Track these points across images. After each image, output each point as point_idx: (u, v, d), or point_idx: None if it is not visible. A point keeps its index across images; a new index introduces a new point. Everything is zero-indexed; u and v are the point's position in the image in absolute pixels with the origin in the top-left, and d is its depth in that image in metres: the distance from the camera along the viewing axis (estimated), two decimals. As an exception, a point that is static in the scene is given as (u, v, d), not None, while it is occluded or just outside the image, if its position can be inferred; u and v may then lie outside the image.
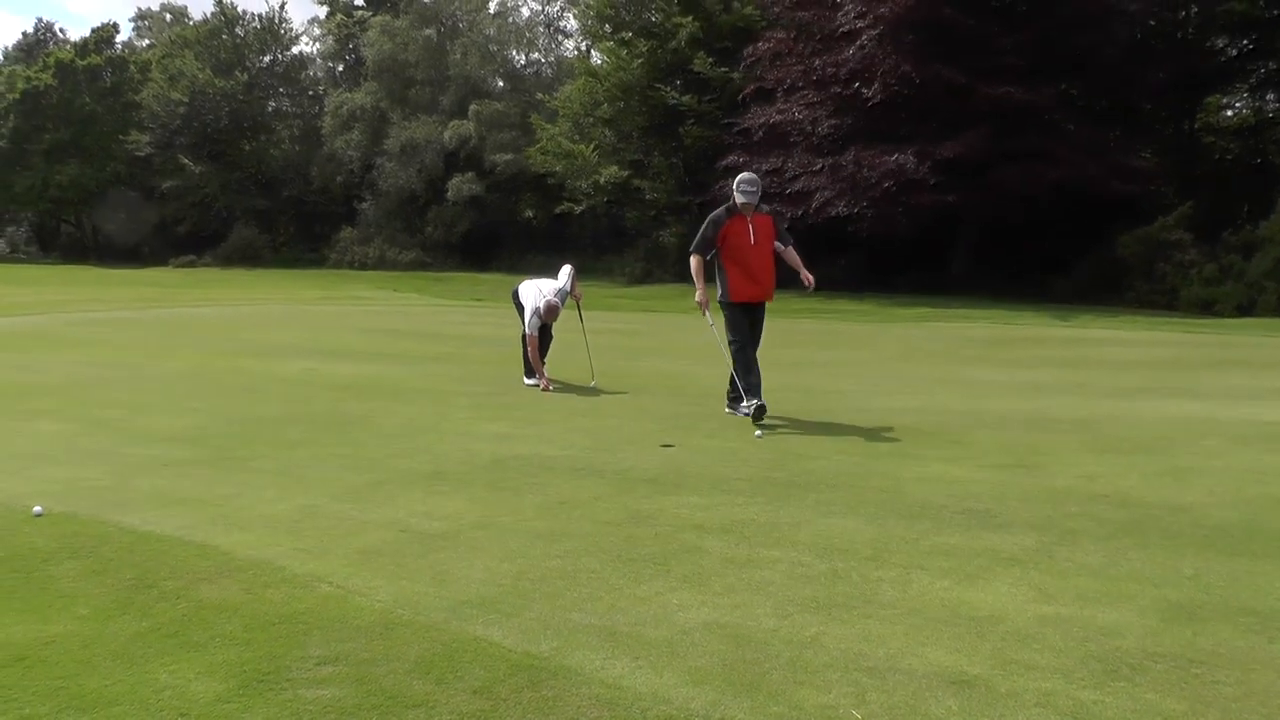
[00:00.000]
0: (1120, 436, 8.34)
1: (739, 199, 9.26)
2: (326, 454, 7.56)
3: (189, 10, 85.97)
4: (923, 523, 5.62)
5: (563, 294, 11.51)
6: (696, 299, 9.57)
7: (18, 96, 70.67)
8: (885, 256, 34.01)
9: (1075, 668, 3.69)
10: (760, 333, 9.64)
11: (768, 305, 9.69)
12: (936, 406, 9.98)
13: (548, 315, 11.28)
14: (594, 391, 11.01)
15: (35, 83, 70.41)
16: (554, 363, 11.95)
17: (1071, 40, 30.80)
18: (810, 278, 9.56)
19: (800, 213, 32.59)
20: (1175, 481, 6.67)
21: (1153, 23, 33.46)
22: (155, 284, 39.76)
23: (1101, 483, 6.63)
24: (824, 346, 17.00)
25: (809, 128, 33.43)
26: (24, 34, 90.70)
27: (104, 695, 3.49)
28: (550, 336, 11.87)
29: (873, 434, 8.42)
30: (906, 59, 30.82)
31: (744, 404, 9.11)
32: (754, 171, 34.85)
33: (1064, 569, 4.83)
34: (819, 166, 32.40)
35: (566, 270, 11.90)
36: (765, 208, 9.54)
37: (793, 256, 9.64)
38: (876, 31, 31.15)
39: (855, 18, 31.58)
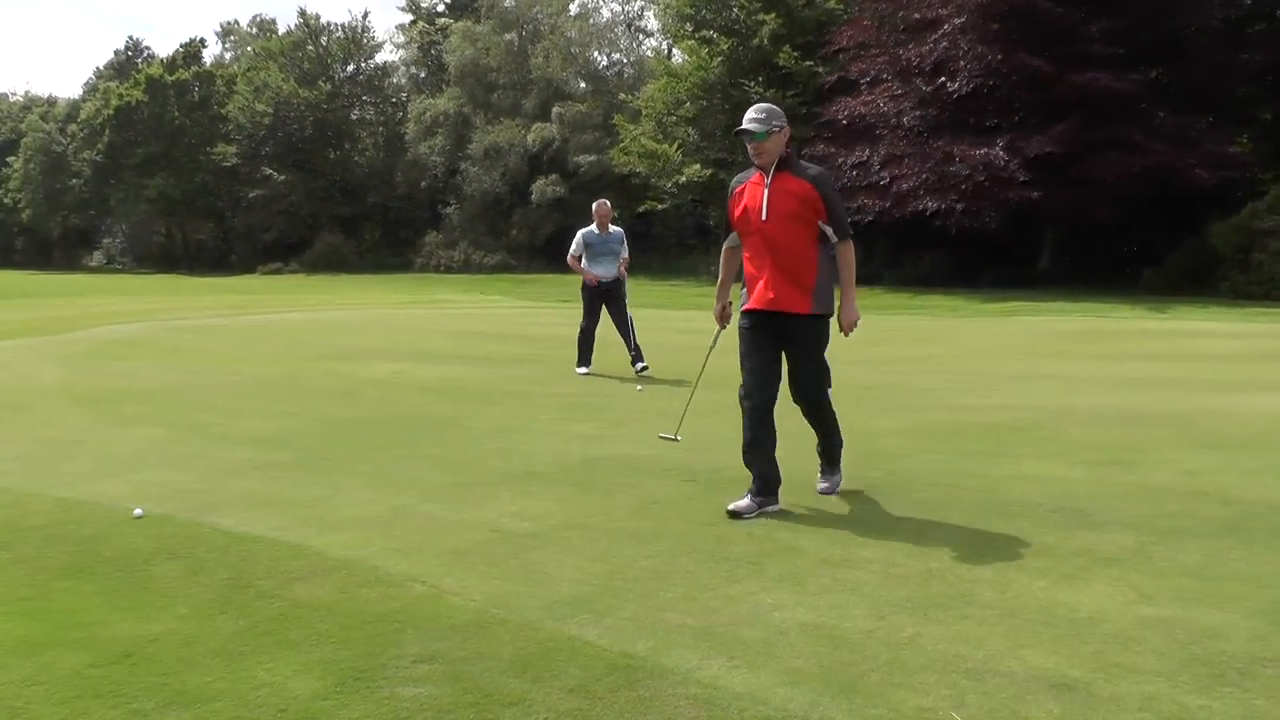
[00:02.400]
0: (1219, 432, 8.16)
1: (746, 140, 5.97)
2: (417, 455, 7.65)
3: (275, 23, 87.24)
4: (1018, 522, 5.55)
5: (617, 238, 12.12)
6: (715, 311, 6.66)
7: (112, 113, 72.61)
8: (971, 252, 33.61)
9: (1179, 671, 3.62)
10: (795, 369, 6.10)
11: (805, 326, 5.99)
12: (1027, 403, 9.84)
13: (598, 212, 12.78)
14: (683, 392, 10.99)
15: (128, 99, 72.24)
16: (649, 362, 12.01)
17: (1162, 25, 30.17)
18: (852, 320, 6.09)
19: (888, 205, 32.36)
20: (1279, 479, 6.52)
21: (1249, 1, 32.63)
22: (243, 291, 40.55)
23: (1200, 480, 6.49)
24: (911, 342, 16.84)
25: (894, 120, 33.17)
26: (115, 52, 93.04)
27: (205, 691, 3.57)
28: (621, 309, 12.54)
29: (964, 432, 8.33)
30: (992, 48, 30.45)
31: (747, 503, 5.90)
32: (839, 164, 34.87)
33: (1164, 569, 4.73)
34: (906, 158, 32.11)
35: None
36: (809, 167, 5.96)
37: (842, 268, 6.03)
38: (961, 20, 30.78)
39: (940, 5, 31.26)
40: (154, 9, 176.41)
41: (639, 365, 12.38)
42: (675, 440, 7.31)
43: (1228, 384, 10.97)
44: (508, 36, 59.73)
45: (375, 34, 78.83)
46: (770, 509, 5.88)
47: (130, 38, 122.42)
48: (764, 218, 5.89)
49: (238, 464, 7.42)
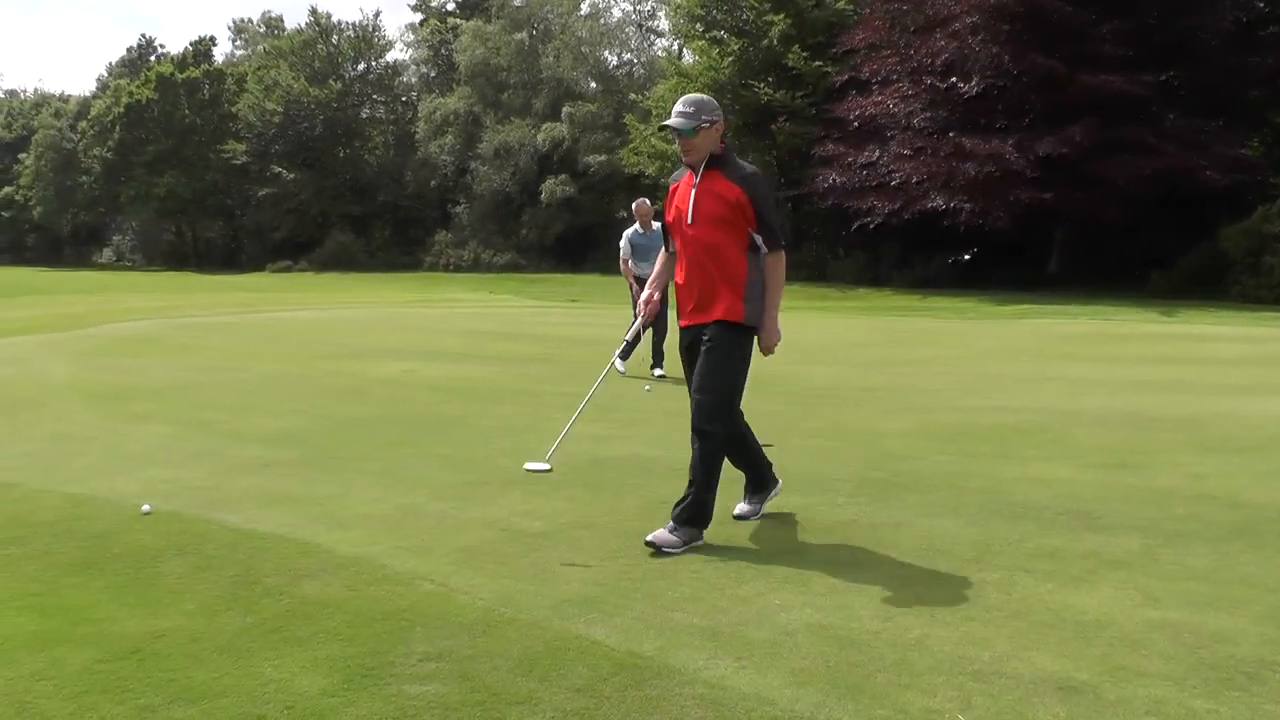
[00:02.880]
0: (1227, 435, 8.15)
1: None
2: (426, 454, 7.66)
3: (284, 20, 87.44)
4: (1025, 524, 5.55)
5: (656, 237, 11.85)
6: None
7: (122, 110, 72.85)
8: (981, 253, 33.59)
9: (1187, 675, 3.61)
10: (696, 386, 5.39)
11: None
12: (1036, 405, 9.83)
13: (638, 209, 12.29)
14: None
15: (138, 96, 72.46)
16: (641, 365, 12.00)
17: (1172, 27, 30.13)
18: (773, 341, 5.50)
19: (896, 206, 32.34)
20: (1288, 482, 6.51)
21: (1261, 4, 32.54)
22: (253, 289, 40.65)
23: (1209, 483, 6.49)
24: (920, 344, 16.83)
25: (904, 120, 33.16)
26: (129, 49, 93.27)
27: (212, 688, 3.58)
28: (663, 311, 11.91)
29: (971, 433, 8.33)
30: (1003, 48, 30.44)
31: (745, 506, 5.79)
32: (848, 164, 34.86)
33: (1172, 572, 4.73)
34: (914, 155, 32.08)
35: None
36: (742, 166, 5.35)
37: (769, 281, 5.39)
38: (973, 19, 30.77)
39: (951, 4, 31.25)
40: (165, 8, 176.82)
41: (658, 372, 12.16)
42: (547, 469, 6.06)
43: (1237, 387, 10.96)
44: (518, 36, 59.83)
45: (386, 33, 79.02)
46: (695, 542, 5.24)
47: (143, 35, 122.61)
48: (689, 221, 5.35)
49: (246, 461, 7.44)
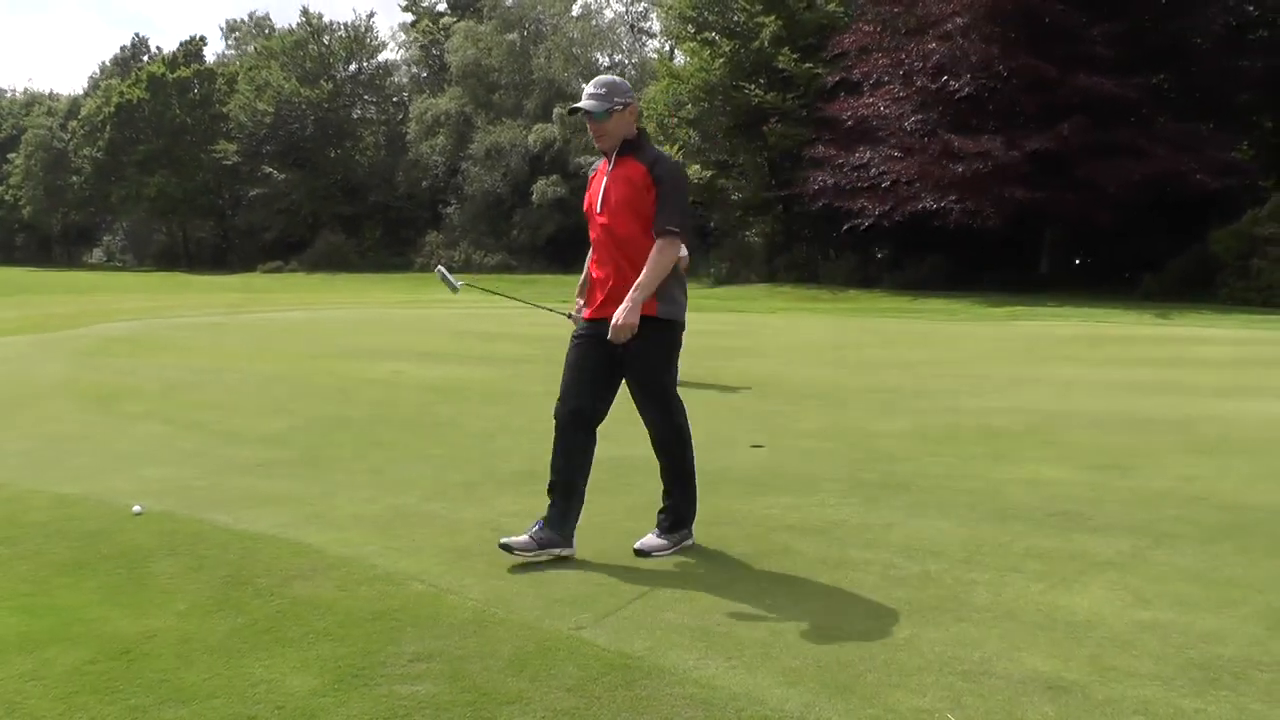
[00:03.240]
0: (1218, 437, 8.18)
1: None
2: (417, 454, 7.66)
3: (270, 18, 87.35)
4: (1015, 525, 5.56)
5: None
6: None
7: (113, 110, 72.73)
8: (972, 255, 33.68)
9: (1175, 675, 3.63)
10: (634, 394, 5.20)
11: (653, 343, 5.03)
12: (1028, 406, 9.85)
13: None
14: (683, 392, 11.01)
15: (129, 96, 72.36)
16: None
17: (1164, 30, 30.22)
18: (624, 323, 4.81)
19: (888, 207, 32.41)
20: (1278, 484, 6.53)
21: (1251, 8, 32.65)
22: (244, 290, 40.61)
23: (1199, 485, 6.50)
24: (912, 346, 16.86)
25: (895, 123, 33.24)
26: (121, 48, 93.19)
27: (203, 688, 3.58)
28: None
29: (963, 435, 8.34)
30: (993, 49, 30.54)
31: (521, 539, 4.99)
32: (839, 166, 35.00)
33: (1161, 573, 4.74)
34: (905, 156, 32.17)
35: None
36: (653, 150, 5.10)
37: (649, 263, 4.88)
38: (964, 20, 30.84)
39: (942, 5, 31.33)
40: (157, 7, 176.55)
41: None
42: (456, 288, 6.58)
43: (1227, 390, 10.99)
44: (510, 36, 59.82)
45: (378, 33, 79.06)
46: (562, 553, 4.99)
47: (136, 34, 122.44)
48: (599, 209, 5.09)
49: (238, 462, 7.44)
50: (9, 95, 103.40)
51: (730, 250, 42.15)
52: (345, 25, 71.94)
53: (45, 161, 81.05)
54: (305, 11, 71.38)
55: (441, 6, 72.13)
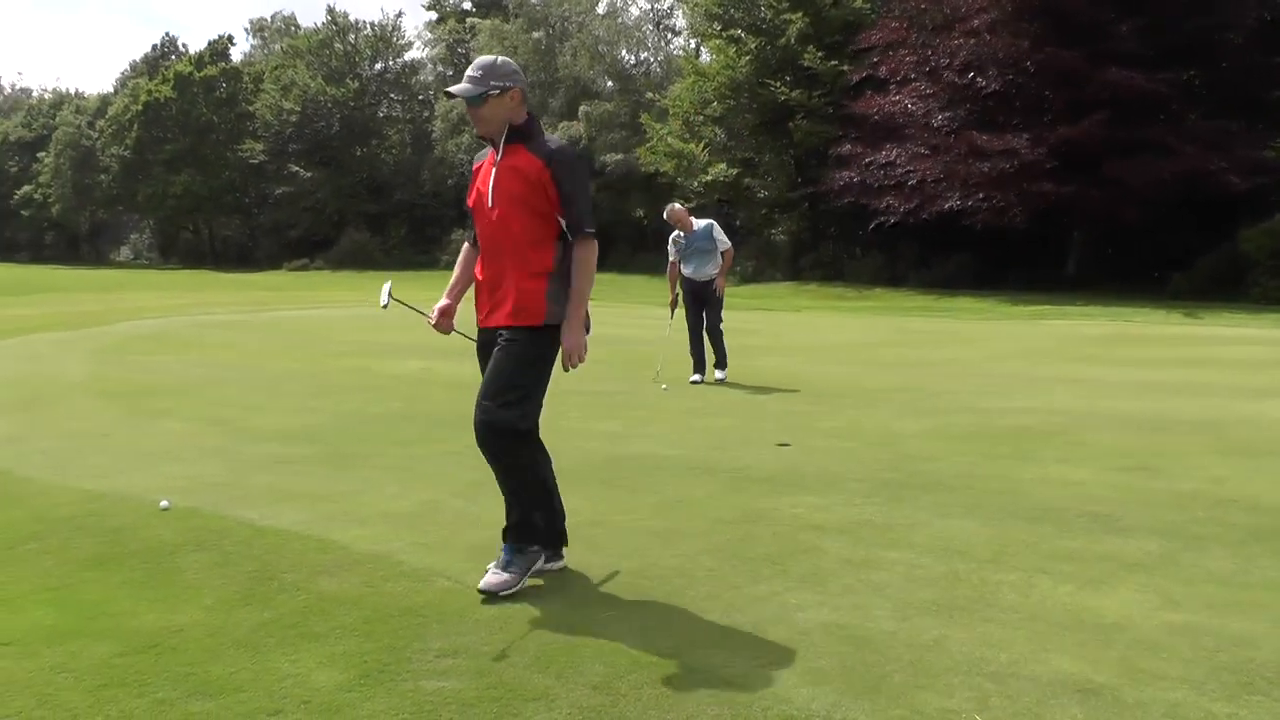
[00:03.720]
0: (1248, 438, 8.10)
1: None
2: (444, 451, 7.66)
3: (295, 17, 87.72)
4: (1043, 526, 5.52)
5: (700, 235, 11.60)
6: None
7: (140, 109, 73.19)
8: (999, 254, 33.50)
9: (1206, 679, 3.59)
10: (482, 391, 4.65)
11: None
12: (1054, 406, 9.80)
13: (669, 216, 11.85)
14: (708, 391, 11.01)
15: (156, 94, 72.82)
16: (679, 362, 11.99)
17: (1194, 25, 29.88)
18: (575, 346, 4.61)
19: (914, 205, 32.28)
20: (1309, 486, 6.47)
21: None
22: (270, 287, 40.77)
23: (1229, 487, 6.45)
24: (938, 345, 16.78)
25: (922, 119, 33.10)
26: (152, 47, 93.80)
27: (230, 682, 3.60)
28: (709, 312, 11.74)
29: (989, 435, 8.30)
30: (1021, 45, 30.37)
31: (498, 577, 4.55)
32: (866, 164, 34.88)
33: (1191, 576, 4.70)
34: (931, 154, 32.03)
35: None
36: (550, 140, 4.65)
37: (575, 273, 4.64)
38: (991, 16, 30.68)
39: (970, 2, 31.18)
40: (183, 7, 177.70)
41: (694, 378, 11.67)
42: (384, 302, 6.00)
43: (1257, 390, 10.89)
44: (535, 35, 59.88)
45: (405, 32, 79.24)
46: (551, 565, 4.77)
47: (166, 34, 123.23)
48: (489, 203, 4.61)
49: (264, 458, 7.46)
50: (38, 95, 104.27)
51: (756, 248, 42.04)
52: (371, 24, 72.21)
53: (74, 160, 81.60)
54: (331, 10, 71.67)
55: (467, 5, 72.23)
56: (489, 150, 4.74)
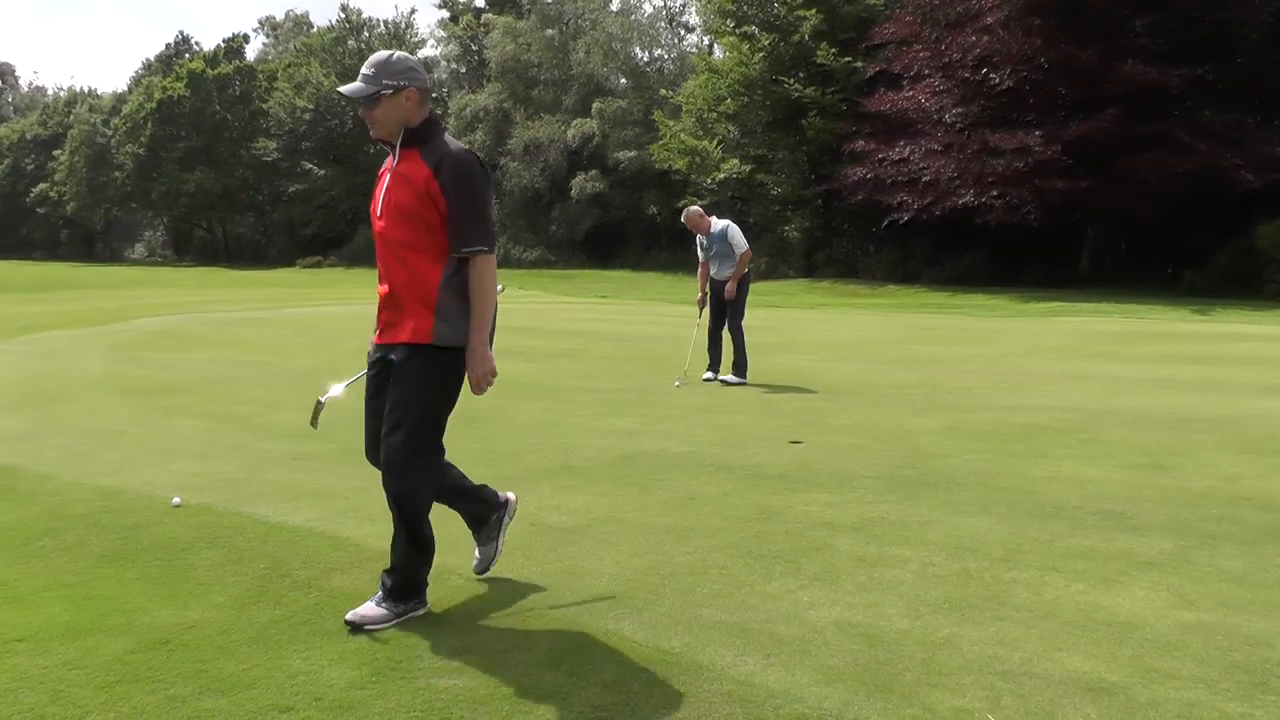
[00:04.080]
0: (1263, 436, 8.06)
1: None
2: (454, 448, 7.58)
3: (309, 16, 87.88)
4: (1056, 524, 5.51)
5: (717, 237, 11.55)
6: None
7: (155, 106, 73.39)
8: (1012, 251, 33.40)
9: (1220, 678, 3.58)
10: (386, 425, 4.24)
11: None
12: (1068, 404, 9.76)
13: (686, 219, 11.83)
14: (721, 388, 11.00)
15: (170, 92, 73.04)
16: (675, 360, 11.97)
17: (1209, 20, 29.74)
18: (483, 372, 4.31)
19: (928, 202, 32.22)
20: (1323, 483, 6.44)
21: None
22: (283, 284, 40.86)
23: (1244, 485, 6.42)
24: (951, 342, 16.75)
25: (936, 116, 33.04)
26: (165, 45, 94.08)
27: (242, 679, 3.61)
28: (729, 313, 11.63)
29: (1003, 432, 8.27)
30: (1034, 41, 30.27)
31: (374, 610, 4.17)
32: (879, 160, 34.91)
33: (1205, 574, 4.69)
34: (945, 151, 31.96)
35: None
36: (446, 145, 4.25)
37: (472, 291, 4.24)
38: (1004, 13, 30.60)
39: None
40: (195, 5, 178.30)
41: (707, 375, 11.61)
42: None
43: (1272, 388, 10.84)
44: (549, 32, 59.85)
45: (418, 30, 79.34)
46: (414, 613, 4.25)
47: (180, 32, 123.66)
48: (379, 213, 4.31)
49: (276, 455, 7.48)
50: (53, 93, 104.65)
51: (769, 245, 41.94)
52: (385, 22, 72.30)
53: (89, 158, 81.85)
54: (345, 8, 71.70)
55: (480, 3, 72.24)
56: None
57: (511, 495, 4.84)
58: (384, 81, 4.15)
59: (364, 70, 4.19)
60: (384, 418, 4.23)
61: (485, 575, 4.69)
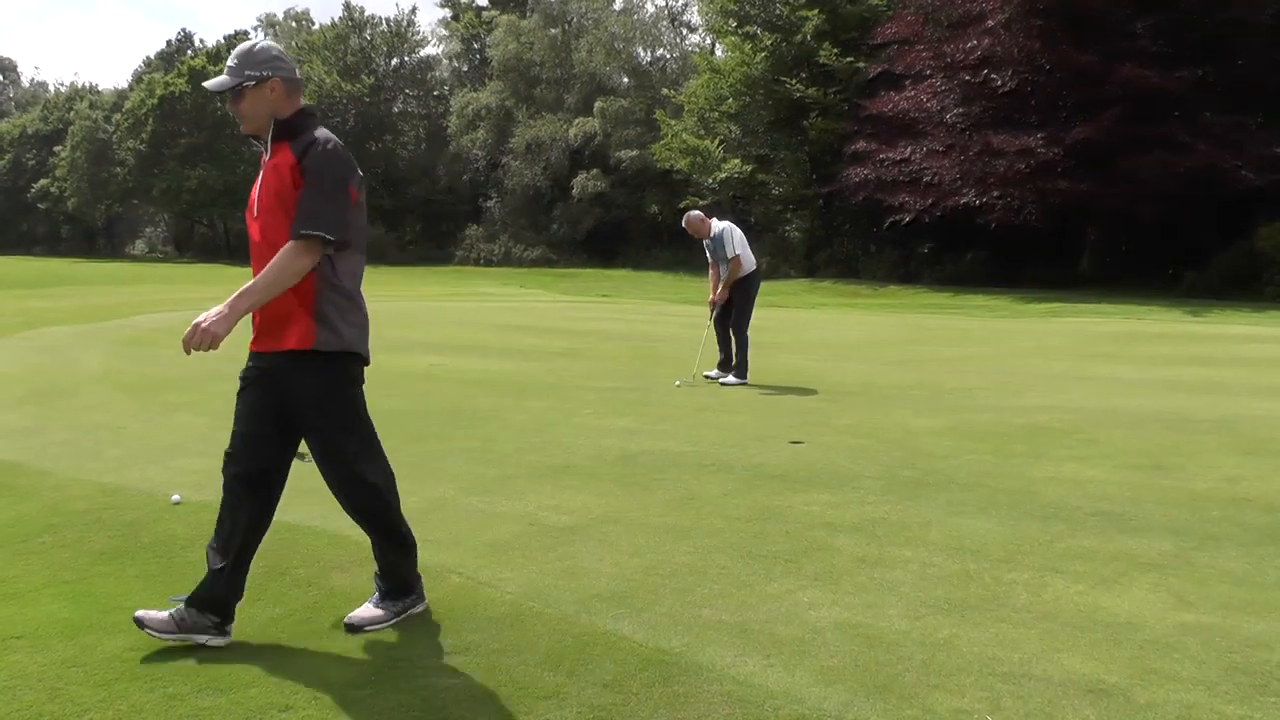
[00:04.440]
0: (1263, 438, 8.05)
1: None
2: (455, 448, 7.67)
3: (310, 14, 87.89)
4: (1056, 524, 5.51)
5: (715, 241, 11.53)
6: None
7: (156, 102, 73.39)
8: (1013, 252, 33.41)
9: (1219, 680, 3.58)
10: (314, 453, 4.21)
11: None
12: (1068, 405, 9.76)
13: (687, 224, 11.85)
14: (722, 388, 11.00)
15: (172, 89, 73.04)
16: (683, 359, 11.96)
17: (1210, 21, 29.73)
18: (207, 333, 3.89)
19: (929, 202, 32.22)
20: (1324, 485, 6.43)
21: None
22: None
23: (1244, 486, 6.41)
24: (952, 343, 16.74)
25: (938, 116, 33.04)
26: (167, 42, 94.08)
27: (241, 677, 3.62)
28: (734, 315, 11.63)
29: (1003, 433, 8.27)
30: (1036, 43, 30.27)
31: (157, 615, 3.94)
32: (880, 161, 34.91)
33: (1205, 576, 4.68)
34: (946, 152, 31.97)
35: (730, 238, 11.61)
36: (315, 137, 4.01)
37: (270, 266, 3.93)
38: (1005, 15, 30.59)
39: (985, 0, 31.12)
40: (202, 3, 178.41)
41: (710, 373, 11.64)
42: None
43: (1273, 389, 10.83)
44: (552, 31, 59.92)
45: (420, 28, 79.35)
46: (211, 642, 3.94)
47: (183, 29, 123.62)
48: (254, 211, 4.08)
49: (277, 453, 7.47)
50: (54, 89, 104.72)
51: (770, 245, 41.93)
52: (387, 20, 72.29)
53: (90, 154, 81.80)
54: (348, 5, 71.68)
55: (482, 1, 72.22)
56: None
57: (424, 604, 4.34)
58: (246, 73, 3.97)
59: (229, 62, 4.01)
60: (300, 443, 4.14)
61: (356, 628, 4.11)
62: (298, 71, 4.11)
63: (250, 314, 3.96)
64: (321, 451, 4.10)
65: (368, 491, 4.16)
